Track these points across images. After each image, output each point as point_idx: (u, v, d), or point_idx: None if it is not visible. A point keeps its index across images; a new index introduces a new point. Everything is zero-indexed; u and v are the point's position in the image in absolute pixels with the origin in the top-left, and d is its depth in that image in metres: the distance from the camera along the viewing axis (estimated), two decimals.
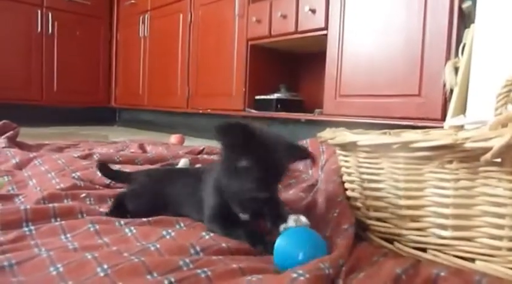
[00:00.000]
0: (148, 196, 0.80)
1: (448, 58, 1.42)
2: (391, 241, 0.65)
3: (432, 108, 1.46)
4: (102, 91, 3.36)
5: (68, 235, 0.65)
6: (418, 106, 1.50)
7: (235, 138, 0.60)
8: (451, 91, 1.34)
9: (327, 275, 0.47)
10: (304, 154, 0.74)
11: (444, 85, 1.38)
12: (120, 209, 0.78)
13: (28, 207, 0.72)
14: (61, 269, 0.52)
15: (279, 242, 0.56)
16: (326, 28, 1.76)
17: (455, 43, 1.41)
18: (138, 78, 3.05)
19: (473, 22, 1.25)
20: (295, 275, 0.45)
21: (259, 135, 0.61)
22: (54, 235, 0.65)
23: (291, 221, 0.60)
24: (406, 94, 1.54)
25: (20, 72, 2.90)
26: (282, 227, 0.60)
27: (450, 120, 1.10)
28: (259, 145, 0.60)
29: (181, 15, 2.62)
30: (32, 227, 0.68)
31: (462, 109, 1.27)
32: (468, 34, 1.31)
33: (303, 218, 0.60)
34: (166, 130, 2.76)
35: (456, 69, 1.35)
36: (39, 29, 2.95)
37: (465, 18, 1.41)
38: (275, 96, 2.06)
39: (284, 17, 1.92)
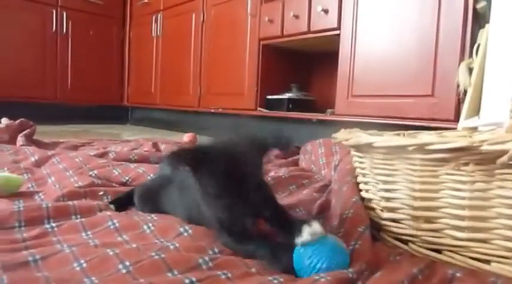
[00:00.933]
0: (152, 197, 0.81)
1: (462, 59, 1.41)
2: (405, 242, 0.65)
3: (445, 108, 1.46)
4: (115, 90, 3.40)
5: (89, 232, 0.67)
6: (431, 106, 1.50)
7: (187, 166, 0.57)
8: (465, 92, 1.33)
9: (349, 279, 0.48)
10: (272, 144, 0.62)
11: (458, 86, 1.38)
12: (122, 202, 0.82)
13: (49, 204, 0.74)
14: (84, 265, 0.54)
15: (298, 254, 0.54)
16: (339, 28, 1.76)
17: (469, 43, 1.40)
18: (150, 77, 3.08)
19: (487, 22, 1.24)
20: (317, 277, 0.45)
21: (213, 154, 0.57)
22: (75, 232, 0.67)
23: (306, 234, 0.54)
24: (419, 94, 1.53)
25: (35, 70, 2.94)
26: (299, 242, 0.54)
27: (464, 122, 1.10)
28: (216, 166, 0.56)
29: (193, 15, 2.64)
30: (54, 225, 0.69)
31: (476, 110, 1.27)
32: (483, 34, 1.30)
33: (317, 227, 0.54)
34: (178, 129, 2.79)
35: (470, 70, 1.34)
36: (53, 28, 2.99)
37: (480, 19, 1.40)
38: (287, 95, 2.07)
39: (296, 17, 1.92)
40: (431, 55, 1.49)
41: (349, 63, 1.73)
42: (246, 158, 0.57)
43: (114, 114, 3.42)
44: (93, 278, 0.51)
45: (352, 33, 1.71)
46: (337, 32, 1.77)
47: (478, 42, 1.33)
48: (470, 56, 1.38)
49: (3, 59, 2.75)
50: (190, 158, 0.57)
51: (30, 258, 0.55)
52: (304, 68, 2.32)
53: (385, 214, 0.67)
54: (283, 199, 0.92)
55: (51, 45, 3.00)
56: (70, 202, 0.77)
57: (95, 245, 0.62)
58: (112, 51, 3.37)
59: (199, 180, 0.59)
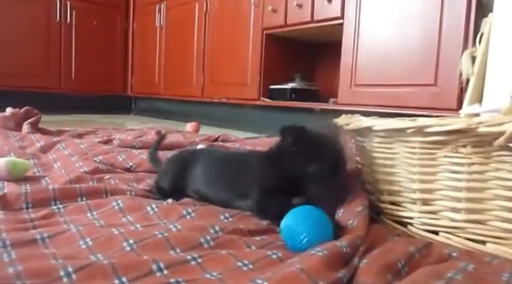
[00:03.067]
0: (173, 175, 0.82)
1: (465, 48, 1.41)
2: (404, 224, 0.66)
3: (448, 97, 1.46)
4: (119, 80, 3.41)
5: (94, 213, 0.69)
6: (434, 96, 1.50)
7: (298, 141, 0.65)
8: (467, 81, 1.33)
9: (344, 254, 0.49)
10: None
11: (460, 75, 1.38)
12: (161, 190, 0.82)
13: (56, 186, 0.75)
14: (90, 243, 0.56)
15: (284, 222, 0.58)
16: (342, 17, 1.76)
17: (472, 32, 1.40)
18: (154, 67, 3.09)
19: (491, 11, 1.24)
20: (313, 252, 0.47)
21: (323, 139, 0.66)
22: (81, 213, 0.69)
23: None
24: (422, 83, 1.53)
25: (40, 60, 2.96)
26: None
27: (465, 108, 1.10)
28: (326, 152, 0.64)
29: (197, 5, 2.64)
30: (60, 206, 0.71)
31: (478, 98, 1.27)
32: (486, 23, 1.29)
33: None
34: (182, 119, 2.80)
35: (473, 59, 1.34)
36: (57, 18, 3.00)
37: (483, 8, 1.39)
38: (289, 85, 2.07)
39: (300, 6, 1.92)
40: (435, 44, 1.49)
41: (352, 53, 1.73)
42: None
43: (118, 104, 3.44)
44: (99, 255, 0.53)
45: (356, 23, 1.71)
46: (340, 21, 1.77)
47: (481, 31, 1.33)
48: (474, 45, 1.38)
49: (7, 49, 2.77)
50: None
51: (38, 236, 0.57)
52: (307, 58, 2.33)
53: (385, 197, 0.69)
54: None
55: (55, 35, 3.01)
56: (76, 185, 0.78)
57: (100, 225, 0.64)
58: (116, 41, 3.37)
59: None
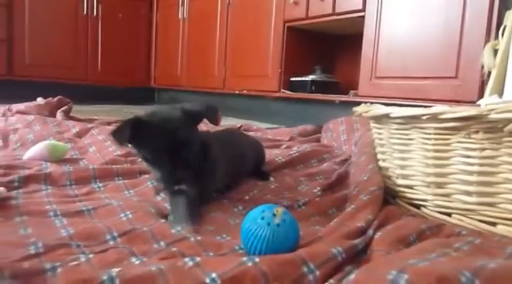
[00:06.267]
0: None
1: (487, 40, 1.41)
2: (418, 207, 0.70)
3: (469, 90, 1.47)
4: (142, 72, 3.50)
5: (131, 191, 0.75)
6: (455, 88, 1.51)
7: (125, 138, 0.65)
8: (489, 73, 1.34)
9: (359, 228, 0.54)
10: (202, 112, 0.68)
11: (482, 68, 1.38)
12: None
13: (95, 166, 0.82)
14: (130, 216, 0.62)
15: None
16: (363, 10, 1.77)
17: (495, 25, 1.40)
18: (176, 59, 3.16)
19: None
20: (333, 222, 0.52)
21: (148, 122, 0.66)
22: (119, 191, 0.76)
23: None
24: (443, 76, 1.54)
25: (67, 52, 3.07)
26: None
27: (484, 99, 1.12)
28: (149, 134, 0.64)
29: None
30: (100, 185, 0.78)
31: (499, 91, 1.28)
32: (509, 16, 1.30)
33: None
34: None
35: (495, 52, 1.34)
36: (85, 11, 3.10)
37: (506, 0, 1.39)
38: (310, 77, 2.10)
39: None
40: (457, 37, 1.49)
41: (373, 45, 1.75)
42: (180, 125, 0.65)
43: (141, 95, 3.53)
44: (138, 226, 0.59)
45: (377, 15, 1.73)
46: (361, 14, 1.78)
47: (504, 23, 1.33)
48: (496, 37, 1.38)
49: (38, 41, 2.88)
50: (129, 134, 0.64)
51: (83, 208, 0.64)
52: (328, 50, 2.35)
53: (400, 181, 0.73)
54: (303, 170, 0.98)
55: (82, 28, 3.11)
56: (113, 166, 0.85)
57: (137, 201, 0.70)
58: (140, 34, 3.45)
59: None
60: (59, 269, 0.42)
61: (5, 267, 0.41)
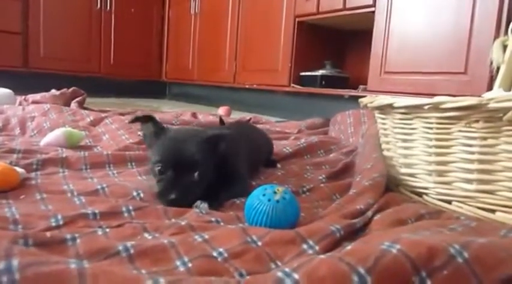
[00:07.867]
0: None
1: (496, 36, 1.41)
2: (420, 195, 0.73)
3: (478, 86, 1.47)
4: (154, 65, 3.55)
5: (144, 177, 0.79)
6: (464, 84, 1.52)
7: (148, 128, 0.70)
8: (498, 69, 1.34)
9: (358, 210, 0.56)
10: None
11: (491, 64, 1.39)
12: None
13: (109, 152, 0.86)
14: (142, 195, 0.66)
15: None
16: (374, 5, 1.79)
17: (505, 21, 1.41)
18: (188, 53, 3.20)
19: None
20: (334, 204, 0.54)
21: (167, 131, 0.69)
22: (133, 176, 0.79)
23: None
24: (452, 71, 1.55)
25: (81, 45, 3.13)
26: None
27: (489, 93, 1.13)
28: (167, 140, 0.66)
29: None
30: (115, 171, 0.82)
31: (507, 87, 1.28)
32: None
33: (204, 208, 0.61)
34: (214, 104, 2.90)
35: (504, 47, 1.35)
36: (98, 6, 3.15)
37: None
38: (320, 72, 2.12)
39: None
40: (466, 32, 1.50)
41: (382, 40, 1.76)
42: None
43: (153, 89, 3.58)
44: (147, 204, 0.62)
45: (387, 11, 1.74)
46: (372, 9, 1.80)
47: None
48: (506, 33, 1.39)
49: (53, 34, 2.95)
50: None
51: (98, 186, 0.67)
52: (338, 45, 2.36)
53: (403, 170, 0.75)
54: (310, 160, 1.01)
55: (95, 22, 3.17)
56: (126, 152, 0.88)
57: (150, 185, 0.73)
58: (152, 28, 3.50)
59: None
60: (78, 240, 0.46)
61: (29, 236, 0.44)
